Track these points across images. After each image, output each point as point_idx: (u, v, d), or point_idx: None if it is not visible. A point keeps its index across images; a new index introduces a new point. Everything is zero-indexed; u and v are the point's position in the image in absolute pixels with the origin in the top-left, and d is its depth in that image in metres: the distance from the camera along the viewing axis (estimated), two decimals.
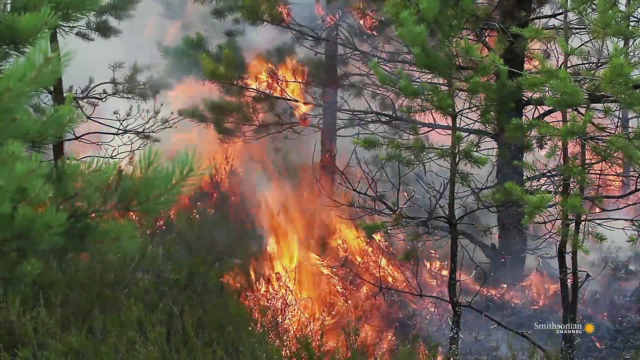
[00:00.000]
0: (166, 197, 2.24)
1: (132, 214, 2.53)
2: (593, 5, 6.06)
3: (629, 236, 6.36)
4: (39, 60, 2.18)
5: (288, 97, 9.50)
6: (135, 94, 9.88)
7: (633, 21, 7.41)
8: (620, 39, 5.79)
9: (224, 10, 10.26)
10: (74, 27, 8.93)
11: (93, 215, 2.41)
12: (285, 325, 7.28)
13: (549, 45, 7.71)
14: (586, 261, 8.48)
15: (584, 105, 5.96)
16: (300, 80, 9.65)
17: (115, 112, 10.05)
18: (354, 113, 9.41)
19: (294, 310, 7.83)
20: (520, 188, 5.87)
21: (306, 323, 7.36)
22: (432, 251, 9.30)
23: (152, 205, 2.27)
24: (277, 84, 9.44)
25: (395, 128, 9.18)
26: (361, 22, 9.53)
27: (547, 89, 5.84)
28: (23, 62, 2.20)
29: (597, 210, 6.98)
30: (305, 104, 9.58)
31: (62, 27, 8.21)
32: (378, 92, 9.76)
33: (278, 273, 8.54)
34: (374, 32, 9.42)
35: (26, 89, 2.20)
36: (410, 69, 8.43)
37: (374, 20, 9.28)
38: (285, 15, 8.84)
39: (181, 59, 9.28)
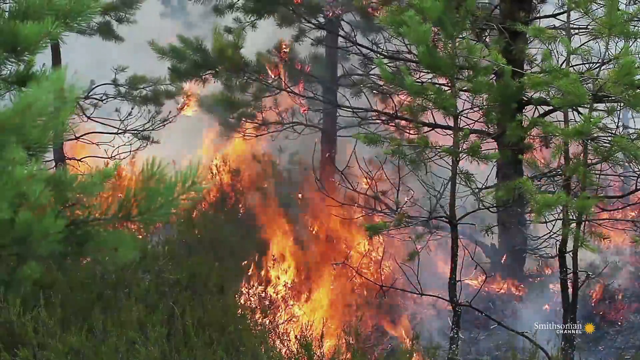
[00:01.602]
0: (167, 209, 2.23)
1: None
2: (594, 5, 6.05)
3: (631, 237, 6.35)
4: (56, 86, 2.18)
5: (289, 90, 9.47)
6: (136, 102, 9.87)
7: (635, 21, 7.39)
8: (621, 39, 5.78)
9: (224, 8, 10.27)
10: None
11: (93, 223, 2.40)
12: (285, 326, 7.28)
13: (549, 46, 7.69)
14: (586, 261, 8.48)
15: (586, 106, 5.95)
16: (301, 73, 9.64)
17: (116, 111, 10.06)
18: (354, 111, 9.40)
19: (294, 309, 7.83)
20: (531, 185, 5.85)
21: (307, 323, 7.35)
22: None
23: (152, 215, 2.26)
24: (279, 75, 9.42)
25: (396, 127, 9.17)
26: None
27: (550, 89, 5.82)
28: (38, 87, 2.21)
29: (598, 210, 6.97)
30: (305, 97, 9.57)
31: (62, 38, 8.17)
32: (378, 90, 9.75)
33: (279, 274, 8.55)
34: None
35: (40, 114, 2.21)
36: (411, 68, 8.42)
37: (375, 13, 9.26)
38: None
39: (180, 59, 9.24)
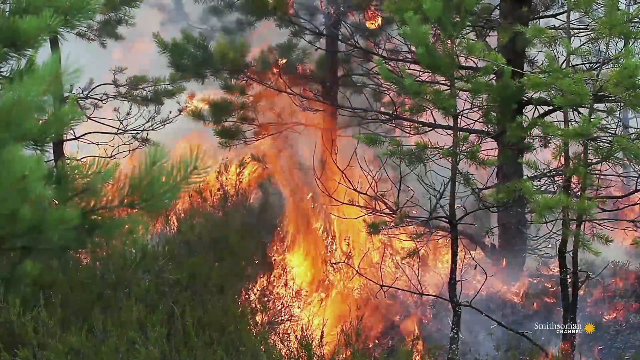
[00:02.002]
0: (169, 195, 2.25)
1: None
2: (594, 5, 6.05)
3: (634, 238, 6.34)
4: (50, 73, 2.18)
5: (289, 92, 9.48)
6: (136, 102, 9.88)
7: (635, 21, 7.40)
8: (621, 39, 5.78)
9: (222, 9, 10.27)
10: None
11: (99, 211, 2.41)
12: (285, 326, 7.28)
13: (549, 47, 7.69)
14: (586, 261, 8.48)
15: (587, 106, 5.94)
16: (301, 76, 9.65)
17: (115, 110, 10.07)
18: (355, 111, 9.39)
19: (294, 309, 7.83)
20: (531, 186, 5.85)
21: (307, 324, 7.35)
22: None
23: (156, 202, 2.28)
24: (280, 78, 9.42)
25: (395, 127, 9.18)
26: (362, 17, 9.53)
27: (551, 89, 5.81)
28: (32, 75, 2.20)
29: (598, 210, 6.96)
30: (306, 98, 9.58)
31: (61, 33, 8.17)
32: (378, 90, 9.75)
33: (279, 274, 8.54)
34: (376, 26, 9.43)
35: (36, 102, 2.21)
36: (411, 68, 8.42)
37: (375, 16, 9.28)
38: (289, 8, 8.87)
39: (181, 55, 9.22)
